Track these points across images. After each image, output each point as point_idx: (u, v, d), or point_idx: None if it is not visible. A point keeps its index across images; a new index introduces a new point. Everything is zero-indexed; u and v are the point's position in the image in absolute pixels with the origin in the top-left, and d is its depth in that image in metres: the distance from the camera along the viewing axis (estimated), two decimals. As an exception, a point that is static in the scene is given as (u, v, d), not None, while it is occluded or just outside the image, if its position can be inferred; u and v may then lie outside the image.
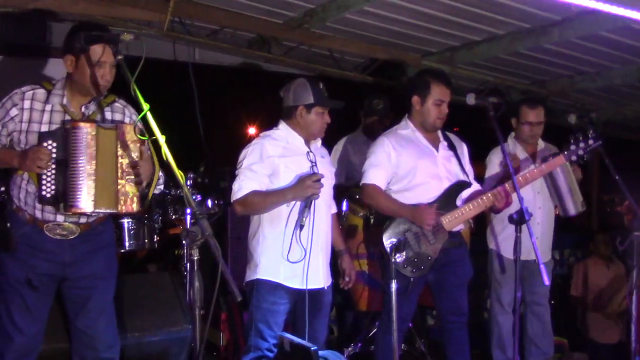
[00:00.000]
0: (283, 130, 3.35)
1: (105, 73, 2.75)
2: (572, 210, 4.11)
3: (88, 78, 2.75)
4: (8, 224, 2.80)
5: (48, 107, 2.78)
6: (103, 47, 2.72)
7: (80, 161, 2.63)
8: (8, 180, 2.88)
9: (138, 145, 2.73)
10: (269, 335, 3.19)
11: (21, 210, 2.80)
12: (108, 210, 2.73)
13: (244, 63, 5.81)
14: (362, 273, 4.28)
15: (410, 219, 3.49)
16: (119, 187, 2.70)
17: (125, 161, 2.71)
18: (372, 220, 4.08)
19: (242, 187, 3.23)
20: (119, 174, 2.70)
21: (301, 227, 3.17)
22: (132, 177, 2.72)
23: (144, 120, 2.43)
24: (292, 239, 3.19)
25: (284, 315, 3.25)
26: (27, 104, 2.76)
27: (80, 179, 2.63)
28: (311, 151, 3.34)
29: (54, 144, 2.67)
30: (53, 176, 2.67)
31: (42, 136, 2.71)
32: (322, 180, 3.18)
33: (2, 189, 3.01)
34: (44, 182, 2.68)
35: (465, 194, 3.67)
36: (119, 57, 2.51)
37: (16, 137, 2.76)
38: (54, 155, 2.66)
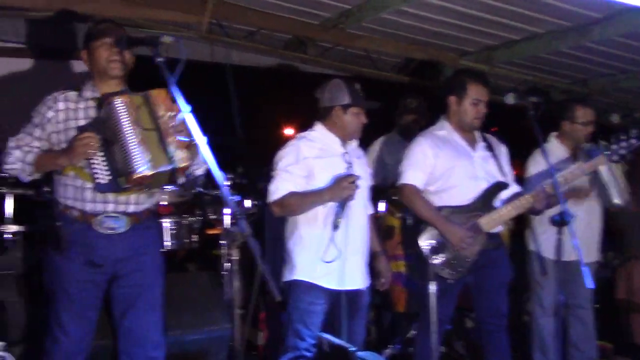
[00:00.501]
0: (319, 131, 3.36)
1: (113, 53, 2.82)
2: (617, 199, 4.01)
3: (101, 60, 2.83)
4: (58, 223, 2.83)
5: (82, 105, 2.84)
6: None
7: (126, 130, 2.64)
8: (52, 182, 2.94)
9: (169, 106, 2.73)
10: (306, 335, 3.20)
11: (69, 209, 2.83)
12: (167, 168, 2.70)
13: (281, 64, 5.84)
14: (399, 274, 4.26)
15: (442, 234, 3.47)
16: (167, 146, 2.70)
17: (164, 120, 2.71)
18: (409, 222, 4.06)
19: (278, 188, 3.25)
20: (163, 133, 2.71)
21: (336, 227, 3.17)
22: (174, 134, 2.71)
23: (185, 122, 2.46)
24: (328, 240, 3.19)
25: (322, 315, 3.26)
26: (61, 105, 2.83)
27: (132, 146, 2.63)
28: (347, 152, 3.34)
29: (95, 131, 2.70)
30: (104, 161, 2.71)
31: (81, 129, 2.75)
32: (358, 182, 3.18)
33: (46, 188, 3.06)
34: (96, 171, 2.71)
35: (505, 195, 3.62)
36: (159, 59, 2.54)
37: (55, 138, 2.82)
38: (98, 143, 2.69)
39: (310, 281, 3.23)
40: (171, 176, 2.78)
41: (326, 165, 3.27)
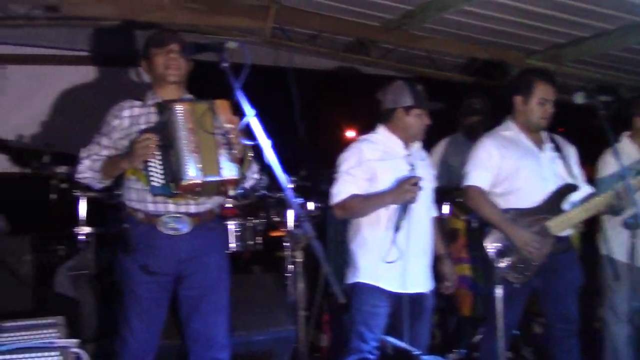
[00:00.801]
0: (381, 133, 3.35)
1: (168, 60, 2.91)
2: None
3: (158, 67, 2.93)
4: (125, 225, 2.92)
5: (144, 111, 2.94)
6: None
7: (182, 137, 2.70)
8: (121, 186, 3.04)
9: (230, 118, 2.77)
10: (369, 337, 3.19)
11: (135, 211, 2.92)
12: (215, 178, 2.74)
13: (342, 67, 5.86)
14: (464, 278, 4.20)
15: (508, 237, 3.39)
16: (219, 157, 2.74)
17: (222, 131, 2.75)
18: (474, 224, 4.00)
19: (341, 191, 3.25)
20: (218, 145, 2.75)
21: (398, 230, 3.15)
22: (229, 148, 2.75)
23: (250, 125, 2.50)
24: (390, 242, 3.17)
25: (385, 318, 3.24)
26: (126, 112, 2.94)
27: (185, 153, 2.68)
28: (410, 154, 3.32)
29: (154, 134, 2.77)
30: (160, 165, 2.77)
31: (141, 132, 2.84)
32: (422, 183, 3.15)
33: (117, 192, 3.17)
34: (152, 173, 2.78)
35: (575, 197, 3.52)
36: (225, 64, 2.59)
37: (120, 144, 2.91)
38: (155, 147, 2.76)
39: (373, 284, 3.22)
40: (220, 187, 2.82)
41: (389, 167, 3.25)
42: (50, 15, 4.70)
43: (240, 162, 2.78)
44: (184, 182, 2.68)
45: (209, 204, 2.97)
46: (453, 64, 5.90)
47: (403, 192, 3.12)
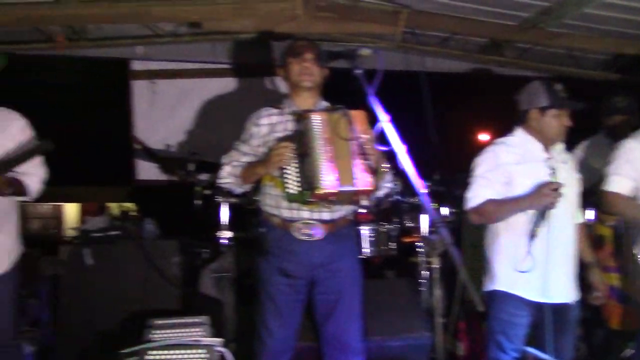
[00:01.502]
0: (518, 136, 3.24)
1: (302, 67, 3.00)
2: None
3: (293, 74, 3.03)
4: (262, 229, 3.05)
5: (282, 119, 3.04)
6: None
7: (318, 146, 2.75)
8: (260, 192, 3.16)
9: (366, 129, 2.80)
10: (508, 347, 3.09)
11: (271, 216, 3.03)
12: (349, 188, 2.77)
13: (475, 68, 5.75)
14: (612, 288, 3.96)
15: None
16: (354, 167, 2.78)
17: (357, 142, 2.78)
18: (621, 230, 3.76)
19: (476, 195, 3.17)
20: (353, 155, 2.79)
21: (533, 237, 3.02)
22: (364, 158, 2.78)
23: (384, 131, 2.52)
24: (527, 249, 3.06)
25: (525, 328, 3.12)
26: (264, 120, 3.06)
27: (321, 162, 2.74)
28: (551, 157, 3.18)
29: (290, 143, 2.86)
30: (296, 172, 2.85)
31: (278, 140, 2.94)
32: (564, 188, 3.00)
33: (256, 197, 3.31)
34: (287, 180, 2.87)
35: None
36: (358, 71, 2.62)
37: (259, 150, 3.04)
38: (291, 154, 2.84)
39: (511, 292, 3.11)
40: (354, 197, 2.85)
41: (526, 171, 3.13)
42: (193, 31, 5.01)
43: (374, 172, 2.80)
44: (318, 191, 2.74)
45: (342, 210, 3.03)
46: (596, 61, 5.59)
47: (541, 197, 2.99)
